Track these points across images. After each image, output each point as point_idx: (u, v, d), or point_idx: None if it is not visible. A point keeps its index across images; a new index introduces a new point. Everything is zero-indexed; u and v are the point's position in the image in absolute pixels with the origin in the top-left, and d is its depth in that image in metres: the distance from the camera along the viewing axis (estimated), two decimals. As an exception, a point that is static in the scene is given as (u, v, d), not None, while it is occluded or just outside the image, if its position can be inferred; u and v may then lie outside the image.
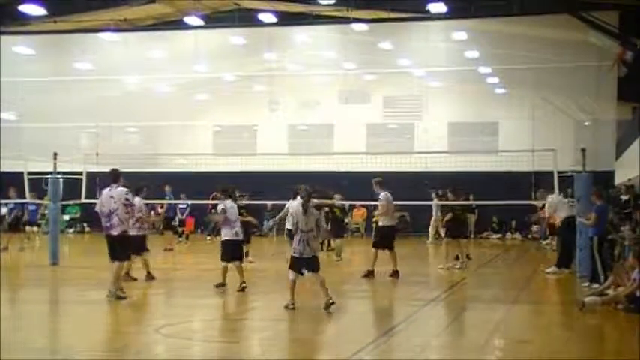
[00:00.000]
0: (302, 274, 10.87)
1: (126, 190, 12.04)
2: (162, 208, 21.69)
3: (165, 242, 21.69)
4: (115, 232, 11.81)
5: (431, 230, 24.49)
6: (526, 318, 11.08)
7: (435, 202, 21.61)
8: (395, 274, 15.05)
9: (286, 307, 10.77)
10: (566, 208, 16.33)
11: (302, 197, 11.05)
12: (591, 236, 13.89)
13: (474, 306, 12.09)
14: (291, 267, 10.86)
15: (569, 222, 16.07)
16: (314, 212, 10.78)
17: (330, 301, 10.59)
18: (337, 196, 19.35)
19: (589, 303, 10.96)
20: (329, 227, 18.14)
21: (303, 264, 10.75)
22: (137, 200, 14.39)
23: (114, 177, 12.16)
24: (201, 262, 19.15)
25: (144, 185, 14.79)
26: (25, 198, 19.59)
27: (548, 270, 16.33)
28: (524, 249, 25.82)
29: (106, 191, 12.02)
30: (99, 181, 18.48)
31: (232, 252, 12.96)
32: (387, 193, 15.59)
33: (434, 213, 23.44)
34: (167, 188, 22.32)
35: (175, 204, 23.58)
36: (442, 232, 18.76)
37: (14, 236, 20.98)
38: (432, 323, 10.67)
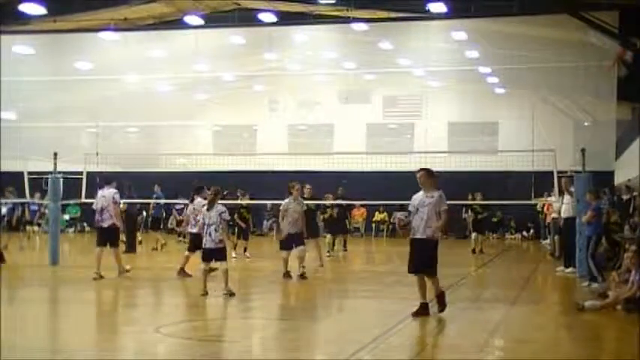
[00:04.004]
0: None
1: (115, 190, 14.93)
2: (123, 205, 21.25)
3: (152, 242, 21.59)
4: (104, 225, 14.66)
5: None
6: (526, 318, 11.07)
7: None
8: None
9: (203, 295, 11.97)
10: (569, 208, 16.38)
11: (210, 195, 12.60)
12: (589, 235, 13.90)
13: (474, 306, 12.09)
14: (203, 258, 12.25)
15: (571, 222, 16.17)
16: (218, 208, 12.25)
17: (231, 291, 11.96)
18: (329, 196, 19.55)
19: (588, 307, 10.96)
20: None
21: (214, 254, 12.13)
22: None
23: (105, 180, 15.32)
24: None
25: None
26: (24, 198, 19.63)
27: (558, 269, 16.43)
28: (524, 249, 25.85)
29: (100, 192, 15.01)
30: (98, 180, 18.59)
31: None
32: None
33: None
34: (156, 187, 22.16)
35: (172, 203, 23.51)
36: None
37: (14, 236, 20.98)
38: (432, 323, 10.67)
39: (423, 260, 10.32)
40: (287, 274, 14.54)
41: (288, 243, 14.62)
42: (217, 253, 12.16)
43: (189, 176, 26.14)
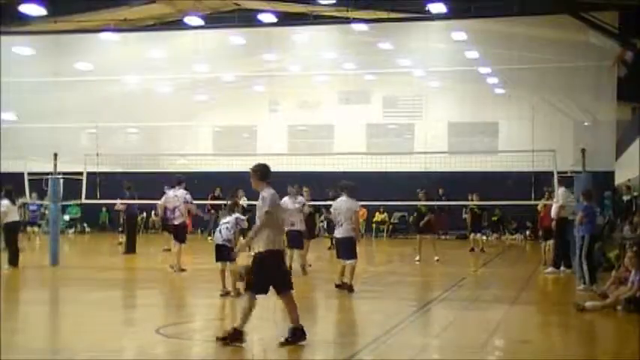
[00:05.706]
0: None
1: (185, 191, 16.01)
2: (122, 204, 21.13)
3: (165, 242, 21.63)
4: (176, 222, 15.95)
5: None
6: (526, 318, 11.08)
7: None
8: None
9: (222, 295, 11.98)
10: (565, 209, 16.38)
11: (229, 204, 12.95)
12: (583, 235, 13.89)
13: (474, 306, 12.09)
14: (217, 258, 12.27)
15: (565, 222, 16.18)
16: (237, 215, 12.54)
17: (235, 291, 11.83)
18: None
19: (589, 308, 10.96)
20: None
21: (222, 251, 12.15)
22: None
23: (177, 182, 16.31)
24: (202, 262, 19.15)
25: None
26: (25, 198, 19.64)
27: (547, 271, 16.40)
28: (523, 249, 25.86)
29: (171, 192, 16.22)
30: (99, 180, 18.58)
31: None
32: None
33: None
34: (165, 188, 22.16)
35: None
36: None
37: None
38: (432, 323, 10.68)
39: (259, 278, 8.35)
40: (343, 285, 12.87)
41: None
42: (225, 251, 12.11)
43: (189, 176, 26.22)
